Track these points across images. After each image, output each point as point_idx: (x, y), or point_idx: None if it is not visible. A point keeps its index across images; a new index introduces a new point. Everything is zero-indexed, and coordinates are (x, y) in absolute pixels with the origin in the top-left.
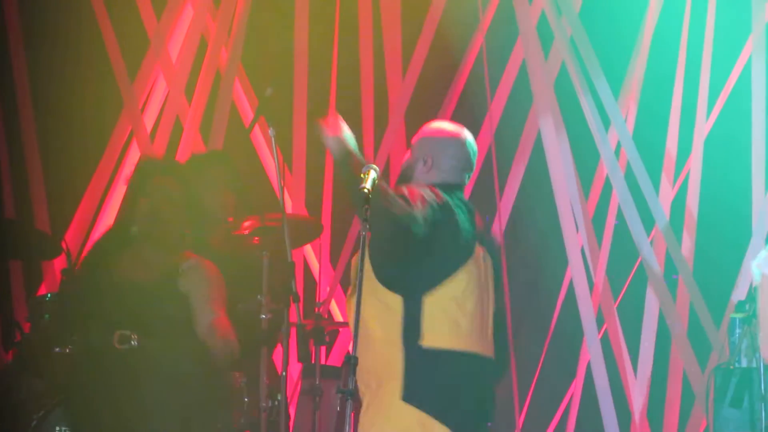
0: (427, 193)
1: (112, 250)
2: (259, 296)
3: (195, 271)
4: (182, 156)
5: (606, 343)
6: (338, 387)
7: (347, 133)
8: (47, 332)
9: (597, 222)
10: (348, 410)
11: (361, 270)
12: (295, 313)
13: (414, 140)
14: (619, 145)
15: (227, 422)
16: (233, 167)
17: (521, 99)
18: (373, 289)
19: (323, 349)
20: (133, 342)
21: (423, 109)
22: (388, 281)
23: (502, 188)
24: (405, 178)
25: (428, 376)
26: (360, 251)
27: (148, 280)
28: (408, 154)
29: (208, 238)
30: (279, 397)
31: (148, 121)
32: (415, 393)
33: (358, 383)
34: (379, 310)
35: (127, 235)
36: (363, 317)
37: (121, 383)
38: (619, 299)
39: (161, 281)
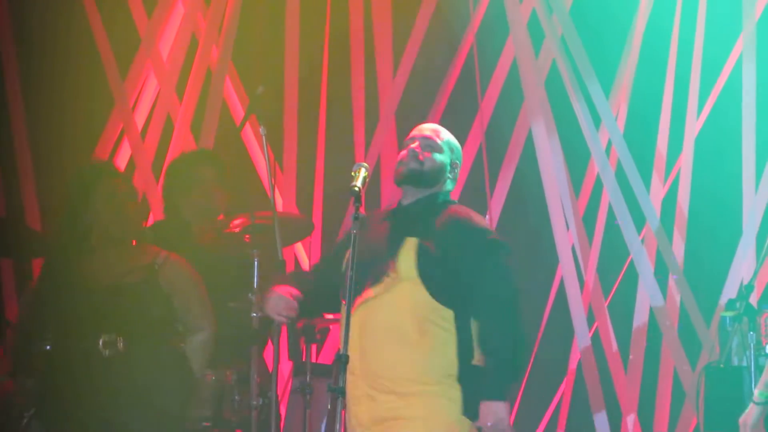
0: None
1: (73, 254)
2: (249, 294)
3: (173, 269)
4: (172, 154)
5: (597, 342)
6: (329, 385)
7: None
8: (25, 330)
9: (588, 220)
10: (339, 408)
11: (352, 268)
12: None
13: (440, 136)
14: (609, 144)
15: (217, 421)
16: (222, 165)
17: (512, 97)
18: (416, 301)
19: (314, 347)
20: (119, 346)
21: (414, 107)
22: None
23: (492, 187)
24: (437, 174)
25: (477, 394)
26: (351, 251)
27: (126, 281)
28: (430, 151)
29: (195, 236)
30: (269, 395)
31: (139, 119)
32: (473, 409)
33: (379, 381)
34: (429, 321)
35: (85, 239)
36: (402, 323)
37: (105, 386)
38: (609, 297)
39: (141, 281)
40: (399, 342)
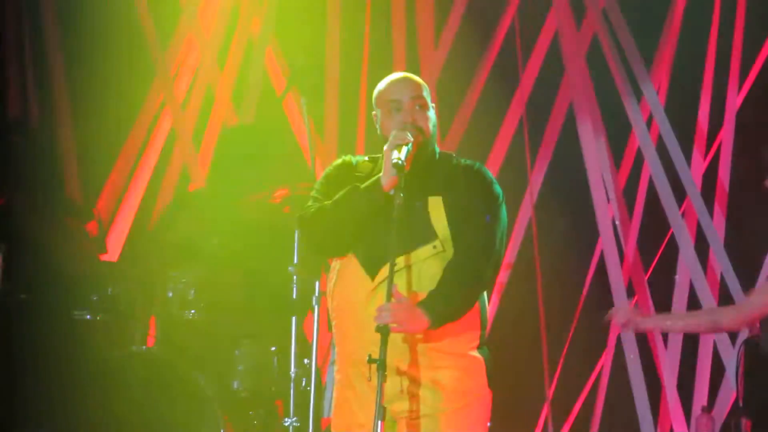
0: None
1: None
2: (290, 266)
3: None
4: (213, 125)
5: None
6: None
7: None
8: None
9: (628, 194)
10: (379, 380)
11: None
12: (326, 282)
13: (421, 88)
14: (650, 117)
15: (256, 390)
16: (260, 140)
17: (553, 70)
18: None
19: None
20: None
21: (455, 80)
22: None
23: (533, 159)
24: (435, 135)
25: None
26: (394, 220)
27: None
28: (425, 116)
29: (236, 207)
30: (306, 362)
31: (180, 89)
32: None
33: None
34: None
35: None
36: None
37: None
38: (650, 271)
39: None
40: None
